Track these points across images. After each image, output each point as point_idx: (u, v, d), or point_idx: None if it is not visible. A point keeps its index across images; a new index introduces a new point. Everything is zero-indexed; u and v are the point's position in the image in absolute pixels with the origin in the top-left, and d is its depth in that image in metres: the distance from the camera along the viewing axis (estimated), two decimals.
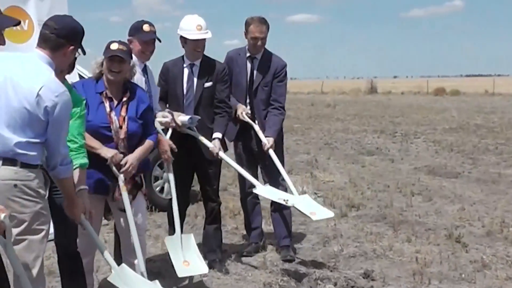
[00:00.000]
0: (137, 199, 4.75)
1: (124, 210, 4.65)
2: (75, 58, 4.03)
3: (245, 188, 6.38)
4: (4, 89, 3.53)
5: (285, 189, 5.97)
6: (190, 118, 5.54)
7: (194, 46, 5.67)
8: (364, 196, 9.27)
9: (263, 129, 6.06)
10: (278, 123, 6.15)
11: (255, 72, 6.17)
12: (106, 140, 4.57)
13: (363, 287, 5.39)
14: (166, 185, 8.06)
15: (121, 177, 4.59)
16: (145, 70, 5.37)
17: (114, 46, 4.60)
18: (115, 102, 4.67)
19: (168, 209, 5.77)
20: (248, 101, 6.19)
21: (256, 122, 6.11)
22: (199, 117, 5.62)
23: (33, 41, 6.34)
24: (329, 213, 5.66)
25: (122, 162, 4.58)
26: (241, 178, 6.38)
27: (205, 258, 5.91)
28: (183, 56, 5.82)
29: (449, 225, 7.43)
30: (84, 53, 4.00)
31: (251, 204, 6.45)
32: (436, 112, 27.28)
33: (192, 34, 5.61)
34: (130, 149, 4.67)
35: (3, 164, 3.49)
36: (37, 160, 3.60)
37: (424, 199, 9.06)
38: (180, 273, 5.05)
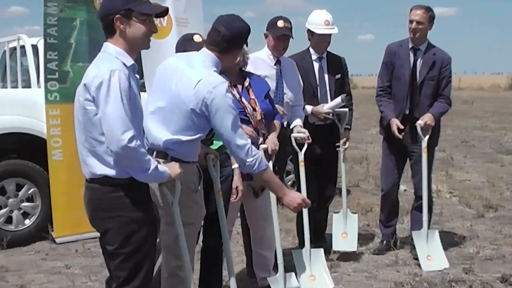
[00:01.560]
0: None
1: (258, 196, 4.82)
2: None
3: (389, 184, 6.30)
4: (169, 85, 3.70)
5: (429, 192, 6.08)
6: (341, 97, 5.75)
7: (321, 40, 5.88)
8: (503, 197, 8.91)
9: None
10: (442, 107, 6.04)
11: (419, 64, 6.01)
12: (244, 123, 4.57)
13: None
14: None
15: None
16: (278, 64, 5.48)
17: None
18: (239, 89, 4.79)
19: (297, 218, 5.90)
20: (409, 94, 6.02)
21: (419, 122, 5.92)
22: (348, 96, 5.99)
23: (171, 37, 6.67)
24: (445, 264, 5.76)
25: (263, 147, 4.67)
26: (385, 173, 6.36)
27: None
28: (308, 49, 5.98)
29: None
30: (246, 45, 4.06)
31: (391, 201, 6.35)
32: None
33: (321, 29, 5.81)
34: (269, 128, 4.83)
35: (156, 156, 3.63)
36: (187, 157, 3.72)
37: None
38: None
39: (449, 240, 6.62)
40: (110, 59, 3.20)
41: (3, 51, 8.25)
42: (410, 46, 6.02)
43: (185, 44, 4.29)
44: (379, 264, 5.90)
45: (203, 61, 3.72)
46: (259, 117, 4.72)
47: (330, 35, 5.87)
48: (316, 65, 5.94)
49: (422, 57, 5.99)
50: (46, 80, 6.58)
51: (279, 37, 5.35)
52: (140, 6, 3.26)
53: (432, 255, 5.82)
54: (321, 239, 6.14)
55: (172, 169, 3.40)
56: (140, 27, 3.27)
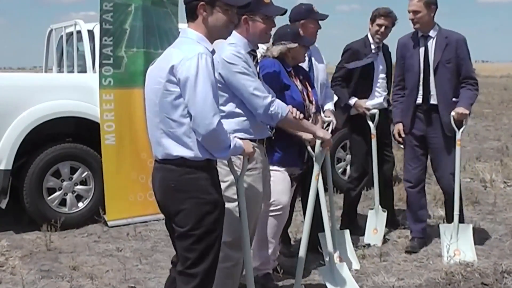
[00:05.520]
0: None
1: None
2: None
3: (411, 177, 5.97)
4: None
5: (452, 187, 5.71)
6: (385, 99, 6.14)
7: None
8: None
9: (450, 111, 5.62)
10: (471, 96, 5.70)
11: (431, 50, 5.73)
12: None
13: None
14: (348, 168, 8.05)
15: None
16: (308, 50, 5.25)
17: None
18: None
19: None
20: (422, 83, 5.74)
21: (452, 114, 5.61)
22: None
23: None
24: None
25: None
26: (407, 166, 6.02)
27: None
28: (367, 37, 6.19)
29: None
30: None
31: (416, 196, 6.01)
32: None
33: None
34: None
35: None
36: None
37: None
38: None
39: (503, 231, 6.51)
40: (193, 43, 3.28)
41: (60, 36, 8.37)
42: (420, 35, 5.77)
43: None
44: (429, 253, 5.83)
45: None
46: (313, 110, 4.80)
47: None
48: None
49: (433, 42, 5.73)
50: (101, 65, 6.68)
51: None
52: None
53: (460, 249, 5.58)
54: (352, 221, 6.38)
55: (247, 145, 3.48)
56: (222, 16, 3.37)
